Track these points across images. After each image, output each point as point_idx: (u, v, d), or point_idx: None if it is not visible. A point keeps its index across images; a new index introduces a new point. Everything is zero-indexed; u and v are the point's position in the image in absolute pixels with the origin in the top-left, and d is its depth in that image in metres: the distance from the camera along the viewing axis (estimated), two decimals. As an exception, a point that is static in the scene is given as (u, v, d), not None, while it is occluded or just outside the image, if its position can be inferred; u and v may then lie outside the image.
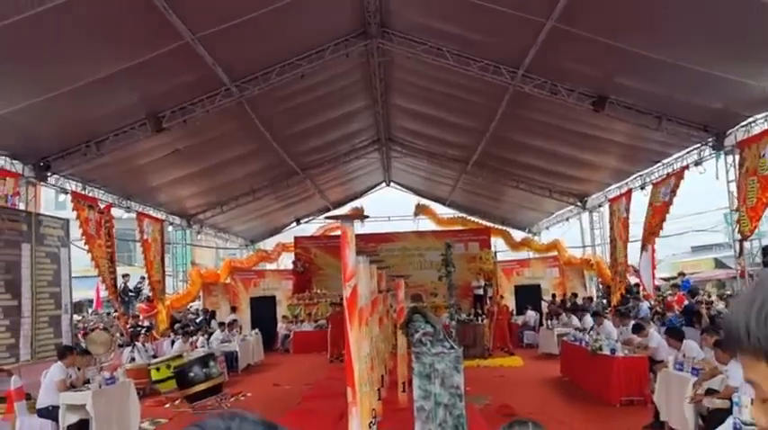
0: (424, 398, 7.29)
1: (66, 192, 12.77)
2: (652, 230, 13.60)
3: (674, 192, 12.65)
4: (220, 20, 9.67)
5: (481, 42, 11.50)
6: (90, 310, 20.49)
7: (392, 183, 25.70)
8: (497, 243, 24.34)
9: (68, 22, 8.27)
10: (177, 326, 16.32)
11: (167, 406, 11.24)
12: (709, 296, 15.82)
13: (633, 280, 16.79)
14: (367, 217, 6.04)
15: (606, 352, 10.06)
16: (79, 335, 13.02)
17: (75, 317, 14.33)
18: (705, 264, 29.46)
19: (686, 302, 14.36)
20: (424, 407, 7.28)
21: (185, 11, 9.04)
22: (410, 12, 11.75)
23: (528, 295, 20.71)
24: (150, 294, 16.94)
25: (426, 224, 25.13)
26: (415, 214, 25.27)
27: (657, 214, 13.43)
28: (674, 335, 8.38)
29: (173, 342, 14.20)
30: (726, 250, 28.35)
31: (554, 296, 20.12)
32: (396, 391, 9.98)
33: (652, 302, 15.14)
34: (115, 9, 8.51)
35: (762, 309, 0.90)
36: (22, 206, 11.24)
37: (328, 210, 25.92)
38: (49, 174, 12.08)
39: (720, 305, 13.32)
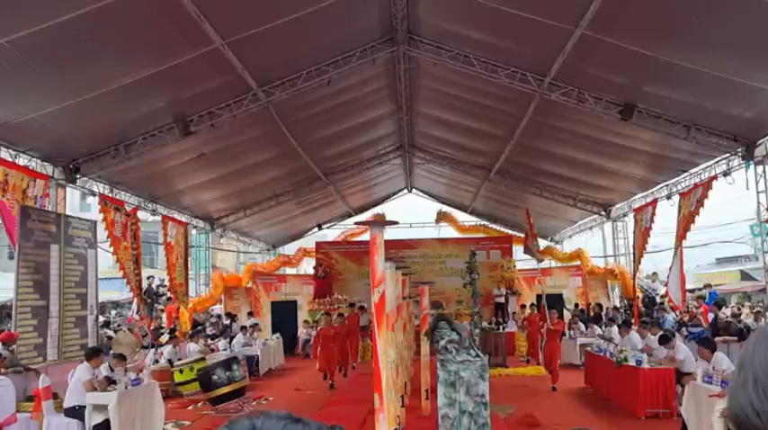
0: (448, 405, 7.27)
1: (95, 195, 12.93)
2: (679, 240, 13.45)
3: (700, 202, 12.48)
4: (250, 25, 9.75)
5: (508, 50, 11.47)
6: (114, 312, 20.70)
7: (414, 190, 25.69)
8: (519, 251, 24.19)
9: (101, 28, 8.38)
10: (195, 329, 16.38)
11: (190, 408, 11.31)
12: (739, 309, 15.56)
13: (661, 290, 16.62)
14: (396, 222, 5.97)
15: (632, 363, 9.95)
16: (104, 339, 13.12)
17: (103, 318, 14.44)
18: (731, 276, 29.07)
19: (711, 315, 14.19)
20: (448, 414, 7.25)
21: (216, 17, 9.13)
22: (437, 18, 11.74)
23: (550, 304, 20.48)
24: (171, 296, 17.07)
25: (448, 231, 25.07)
26: (437, 221, 25.23)
27: (685, 224, 13.29)
28: (707, 346, 8.26)
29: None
30: (752, 262, 28.01)
31: (576, 305, 19.93)
32: (419, 399, 9.96)
33: (678, 314, 14.94)
34: (147, 15, 8.61)
35: (756, 385, 0.88)
36: (50, 208, 11.40)
37: (350, 215, 25.97)
38: (77, 176, 12.23)
39: (750, 319, 13.09)
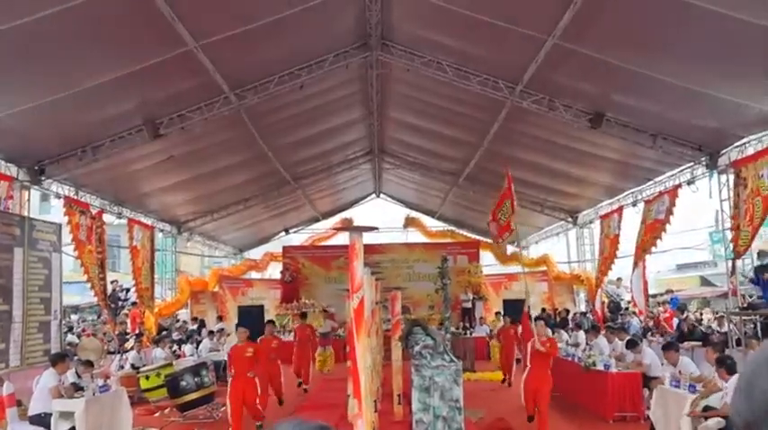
0: (423, 410, 7.27)
1: (60, 197, 12.63)
2: (644, 248, 13.70)
3: (670, 211, 12.75)
4: (224, 28, 9.66)
5: (481, 57, 11.58)
6: (75, 316, 20.23)
7: (382, 195, 25.73)
8: (486, 256, 24.41)
9: (71, 27, 8.21)
10: (162, 334, 16.09)
11: (157, 414, 11.11)
12: (701, 314, 15.96)
13: (626, 295, 16.93)
14: (376, 228, 5.97)
15: (600, 367, 10.10)
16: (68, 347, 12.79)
17: (65, 322, 14.07)
18: (690, 282, 29.74)
19: (676, 320, 14.49)
20: (422, 419, 7.26)
21: (190, 19, 9.03)
22: (411, 25, 11.80)
23: (516, 309, 20.66)
24: (137, 301, 16.76)
25: (415, 236, 25.16)
26: (405, 226, 25.31)
27: (650, 232, 13.54)
28: (673, 348, 8.47)
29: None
30: (711, 268, 28.72)
31: (544, 310, 20.14)
32: (390, 404, 9.95)
33: (643, 319, 15.23)
34: (120, 15, 8.46)
35: (749, 395, 0.96)
36: (13, 210, 11.10)
37: (317, 220, 25.92)
38: (42, 178, 11.94)
39: (714, 323, 13.44)
